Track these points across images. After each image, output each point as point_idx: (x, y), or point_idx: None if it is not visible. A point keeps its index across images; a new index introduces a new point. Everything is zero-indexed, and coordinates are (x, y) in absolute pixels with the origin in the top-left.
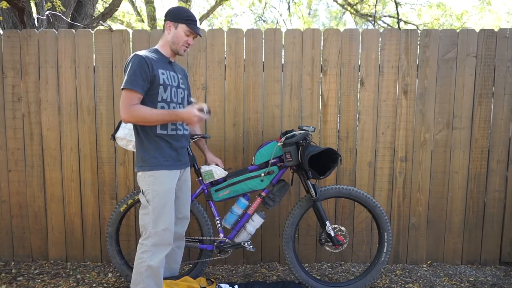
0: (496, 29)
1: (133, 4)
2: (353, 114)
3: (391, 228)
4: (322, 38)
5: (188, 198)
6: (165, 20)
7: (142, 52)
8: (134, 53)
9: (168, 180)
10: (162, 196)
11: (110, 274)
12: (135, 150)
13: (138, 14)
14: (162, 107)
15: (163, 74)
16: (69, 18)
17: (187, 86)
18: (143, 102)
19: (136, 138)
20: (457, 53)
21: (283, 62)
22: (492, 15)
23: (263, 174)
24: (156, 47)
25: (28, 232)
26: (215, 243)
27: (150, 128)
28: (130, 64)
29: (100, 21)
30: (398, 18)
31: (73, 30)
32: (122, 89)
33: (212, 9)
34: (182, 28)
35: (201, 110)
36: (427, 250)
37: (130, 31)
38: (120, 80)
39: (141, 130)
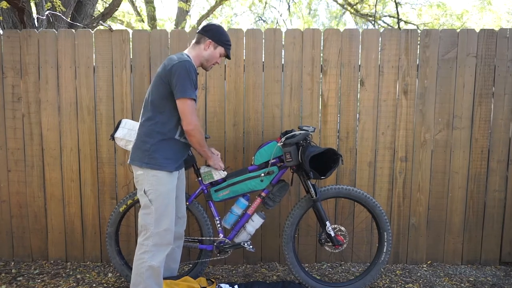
0: (496, 29)
1: (133, 4)
2: (353, 114)
3: (391, 228)
4: (322, 38)
5: (184, 197)
6: (203, 34)
7: (189, 59)
8: (183, 58)
9: (170, 181)
10: (165, 196)
11: (110, 274)
12: None
13: (138, 14)
14: (179, 118)
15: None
16: (69, 18)
17: None
18: (168, 108)
19: (144, 135)
20: (457, 53)
21: (283, 62)
22: (492, 14)
23: (263, 174)
24: (188, 54)
25: (28, 232)
26: (215, 243)
27: (170, 130)
28: (185, 71)
29: (100, 21)
30: (398, 18)
31: (73, 30)
32: (181, 98)
33: (212, 9)
34: (220, 50)
35: (218, 167)
36: (427, 250)
37: (130, 31)
38: (120, 80)
39: (160, 129)
